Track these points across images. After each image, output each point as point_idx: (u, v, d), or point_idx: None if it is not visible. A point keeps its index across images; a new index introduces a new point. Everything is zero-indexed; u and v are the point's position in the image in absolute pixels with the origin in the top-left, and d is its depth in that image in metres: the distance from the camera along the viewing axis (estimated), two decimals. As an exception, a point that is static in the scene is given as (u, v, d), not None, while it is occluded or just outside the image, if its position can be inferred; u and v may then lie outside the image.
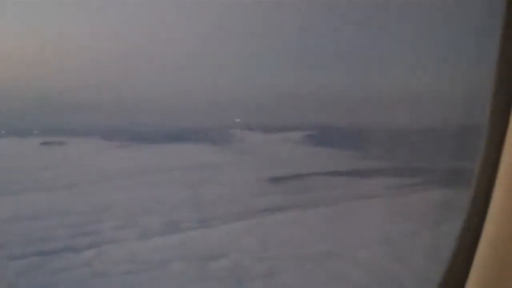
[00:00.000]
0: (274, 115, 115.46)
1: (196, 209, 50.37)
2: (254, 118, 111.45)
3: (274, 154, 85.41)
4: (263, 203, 49.09)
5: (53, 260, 37.29)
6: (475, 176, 4.23)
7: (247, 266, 29.85)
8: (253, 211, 47.31)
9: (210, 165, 67.07)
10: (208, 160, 72.45)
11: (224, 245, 35.31)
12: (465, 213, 4.27)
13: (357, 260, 27.55)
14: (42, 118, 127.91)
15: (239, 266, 29.80)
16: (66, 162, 78.46)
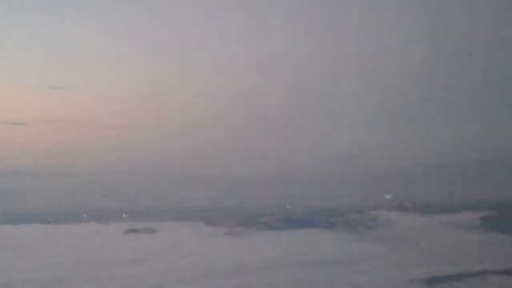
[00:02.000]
0: (433, 189, 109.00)
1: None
2: (409, 192, 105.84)
3: (434, 245, 69.98)
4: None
5: None
6: None
7: None
8: None
9: (344, 260, 62.04)
10: (342, 254, 67.20)
11: None
12: None
13: None
14: (132, 198, 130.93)
15: None
16: (154, 255, 70.93)
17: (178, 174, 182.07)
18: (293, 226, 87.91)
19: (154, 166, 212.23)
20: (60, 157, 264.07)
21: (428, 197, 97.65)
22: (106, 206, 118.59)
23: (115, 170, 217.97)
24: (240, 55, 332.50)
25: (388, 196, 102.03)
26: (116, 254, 73.24)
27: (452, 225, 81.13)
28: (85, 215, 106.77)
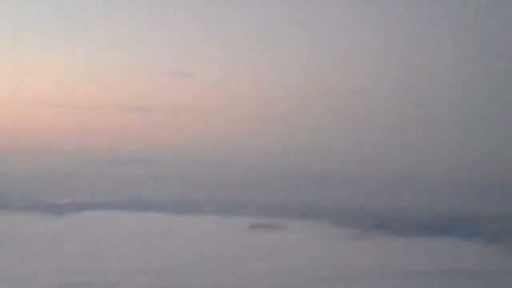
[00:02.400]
0: None
1: None
2: None
3: None
4: None
5: None
6: None
7: None
8: None
9: (486, 274, 56.49)
10: (485, 267, 61.74)
11: None
12: None
13: None
14: (258, 193, 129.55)
15: None
16: (276, 252, 68.40)
17: (306, 171, 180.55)
18: (428, 233, 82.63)
19: (282, 162, 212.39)
20: (185, 145, 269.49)
21: None
22: (231, 199, 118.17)
23: (241, 162, 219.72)
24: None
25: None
26: (237, 248, 71.63)
27: None
28: (209, 207, 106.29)
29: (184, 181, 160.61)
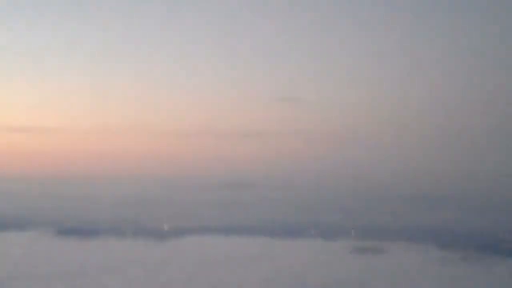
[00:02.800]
0: None
1: None
2: None
3: None
4: None
5: None
6: None
7: None
8: None
9: None
10: None
11: None
12: None
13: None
14: (362, 215, 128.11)
15: None
16: (381, 277, 67.26)
17: (406, 193, 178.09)
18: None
19: (383, 183, 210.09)
20: (290, 168, 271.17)
21: None
22: (334, 221, 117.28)
23: (343, 184, 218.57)
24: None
25: None
26: (337, 273, 70.98)
27: None
28: (312, 231, 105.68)
29: (288, 204, 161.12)
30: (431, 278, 67.82)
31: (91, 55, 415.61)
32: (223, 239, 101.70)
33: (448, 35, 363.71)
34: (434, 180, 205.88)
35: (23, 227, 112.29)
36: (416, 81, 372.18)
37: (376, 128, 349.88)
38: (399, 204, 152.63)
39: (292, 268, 74.34)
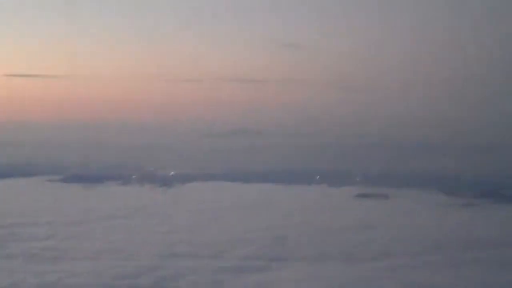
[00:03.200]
0: None
1: None
2: None
3: None
4: None
5: None
6: None
7: None
8: None
9: None
10: None
11: None
12: None
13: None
14: (365, 162, 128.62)
15: None
16: (384, 221, 68.47)
17: (410, 141, 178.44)
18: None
19: (387, 131, 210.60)
20: (293, 116, 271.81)
21: None
22: (339, 168, 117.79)
23: (348, 132, 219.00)
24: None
25: None
26: (344, 218, 71.90)
27: None
28: (318, 177, 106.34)
29: (292, 151, 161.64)
30: (433, 222, 69.09)
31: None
32: (229, 185, 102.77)
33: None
34: (437, 127, 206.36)
35: (30, 174, 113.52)
36: (416, 30, 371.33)
37: (379, 76, 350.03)
38: (404, 151, 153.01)
39: (296, 213, 75.23)
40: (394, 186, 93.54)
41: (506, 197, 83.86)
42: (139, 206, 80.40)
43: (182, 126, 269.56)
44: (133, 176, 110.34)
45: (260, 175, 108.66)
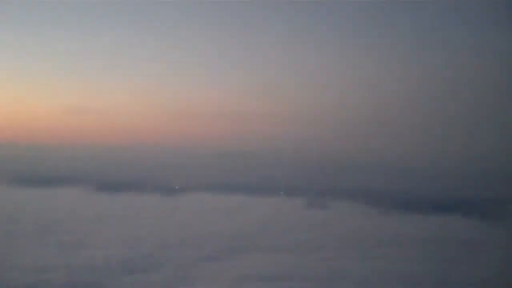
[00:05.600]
0: None
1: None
2: None
3: None
4: None
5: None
6: None
7: None
8: None
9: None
10: None
11: None
12: None
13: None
14: (319, 179, 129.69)
15: None
16: (322, 225, 70.49)
17: (350, 163, 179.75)
18: (438, 211, 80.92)
19: (334, 155, 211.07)
20: (269, 143, 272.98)
21: None
22: (296, 183, 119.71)
23: (305, 156, 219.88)
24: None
25: None
26: (294, 221, 73.60)
27: None
28: (280, 190, 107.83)
29: (265, 170, 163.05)
30: (355, 225, 71.10)
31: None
32: (217, 195, 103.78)
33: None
34: (370, 151, 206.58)
35: (71, 184, 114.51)
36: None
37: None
38: (343, 171, 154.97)
39: (259, 217, 77.56)
40: (334, 198, 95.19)
41: (415, 208, 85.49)
42: (148, 209, 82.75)
43: (189, 150, 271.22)
44: (147, 187, 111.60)
45: (238, 188, 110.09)
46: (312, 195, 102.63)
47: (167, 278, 41.84)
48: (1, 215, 69.49)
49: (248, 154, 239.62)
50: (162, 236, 58.37)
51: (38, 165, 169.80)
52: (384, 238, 59.29)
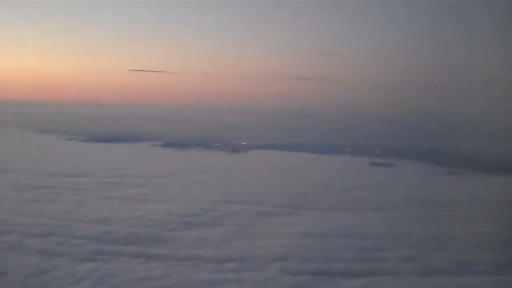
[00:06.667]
0: None
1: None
2: None
3: None
4: None
5: (323, 283, 32.00)
6: None
7: None
8: None
9: None
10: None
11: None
12: None
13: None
14: (382, 138, 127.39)
15: None
16: (387, 183, 68.30)
17: (416, 124, 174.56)
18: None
19: (401, 117, 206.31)
20: (335, 104, 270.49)
21: None
22: (360, 143, 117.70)
23: (371, 116, 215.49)
24: None
25: None
26: (357, 180, 71.16)
27: None
28: (346, 149, 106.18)
29: (332, 130, 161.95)
30: (424, 185, 68.42)
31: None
32: (279, 153, 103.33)
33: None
34: (437, 115, 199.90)
35: (139, 140, 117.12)
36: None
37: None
38: (410, 132, 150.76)
39: (324, 174, 76.42)
40: (400, 158, 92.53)
41: (485, 168, 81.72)
42: (213, 165, 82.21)
43: (257, 110, 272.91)
44: (215, 144, 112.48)
45: (306, 147, 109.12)
46: (378, 154, 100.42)
47: (226, 232, 41.52)
48: (72, 169, 71.50)
49: (315, 114, 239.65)
50: (224, 191, 58.22)
51: (111, 123, 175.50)
52: (450, 199, 56.35)
